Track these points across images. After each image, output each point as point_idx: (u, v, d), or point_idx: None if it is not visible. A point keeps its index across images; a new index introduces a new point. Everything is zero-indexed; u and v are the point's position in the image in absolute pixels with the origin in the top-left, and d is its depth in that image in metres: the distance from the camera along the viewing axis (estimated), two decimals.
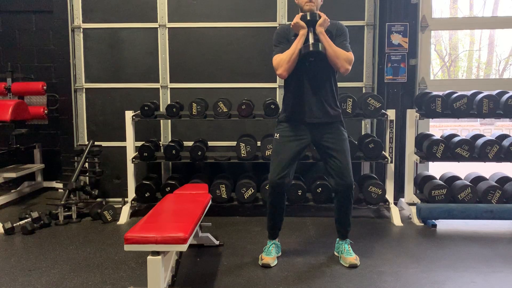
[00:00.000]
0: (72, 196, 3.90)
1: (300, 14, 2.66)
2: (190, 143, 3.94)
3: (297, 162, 2.79)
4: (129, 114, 3.86)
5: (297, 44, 2.60)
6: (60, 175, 4.53)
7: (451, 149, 3.73)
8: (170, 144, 3.87)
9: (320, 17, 2.61)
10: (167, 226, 2.23)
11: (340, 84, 4.22)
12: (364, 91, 4.32)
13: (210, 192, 3.35)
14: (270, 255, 2.80)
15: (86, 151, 4.03)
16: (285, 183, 2.68)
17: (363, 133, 4.30)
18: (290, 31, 2.69)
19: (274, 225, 2.84)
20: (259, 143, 3.86)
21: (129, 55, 4.38)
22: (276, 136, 2.79)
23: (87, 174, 4.10)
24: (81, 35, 4.37)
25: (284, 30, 2.76)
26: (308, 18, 2.60)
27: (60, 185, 4.26)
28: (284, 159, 2.69)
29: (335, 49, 2.61)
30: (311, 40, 2.61)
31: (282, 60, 2.62)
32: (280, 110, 2.97)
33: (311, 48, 2.57)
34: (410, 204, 3.83)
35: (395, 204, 3.92)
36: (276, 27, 4.28)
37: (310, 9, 2.65)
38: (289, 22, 2.77)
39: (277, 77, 4.28)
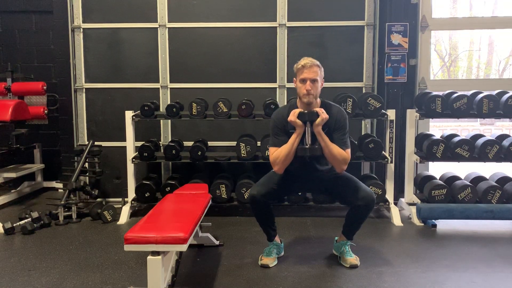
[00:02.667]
0: (72, 196, 3.89)
1: (298, 110, 2.62)
2: (190, 143, 3.94)
3: (282, 192, 2.84)
4: (129, 114, 3.86)
5: (293, 144, 2.61)
6: (60, 175, 4.53)
7: (451, 149, 3.73)
8: (170, 144, 3.87)
9: (318, 115, 2.57)
10: (167, 226, 2.23)
11: (340, 84, 4.27)
12: (364, 91, 4.32)
13: (210, 192, 3.35)
14: (270, 255, 2.80)
15: (86, 151, 4.03)
16: (263, 201, 2.69)
17: (363, 133, 4.30)
18: (288, 122, 2.65)
19: (266, 230, 2.84)
20: (259, 143, 3.86)
21: (129, 55, 4.38)
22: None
23: (87, 174, 4.10)
24: (81, 35, 4.37)
25: (282, 120, 2.71)
26: (306, 118, 2.58)
27: (60, 185, 4.26)
28: (273, 185, 2.72)
29: (331, 150, 2.60)
30: (308, 141, 2.61)
31: (278, 159, 2.65)
32: None
33: (307, 153, 2.60)
34: (410, 204, 3.83)
35: (395, 204, 3.92)
36: (276, 27, 4.29)
37: (308, 101, 2.62)
38: (289, 105, 2.78)
39: (277, 77, 4.31)
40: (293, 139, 2.62)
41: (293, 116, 2.59)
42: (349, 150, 2.67)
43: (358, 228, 2.81)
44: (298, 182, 2.81)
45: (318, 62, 2.64)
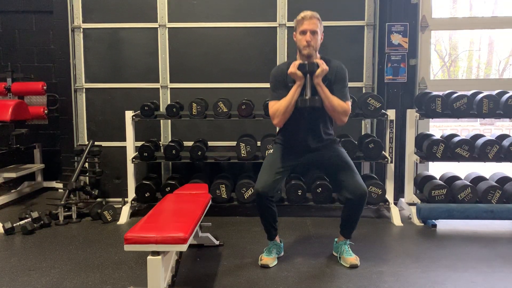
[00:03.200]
0: (72, 196, 3.90)
1: (298, 62, 2.61)
2: (190, 143, 3.94)
3: (286, 176, 2.81)
4: (129, 114, 3.86)
5: (293, 95, 2.60)
6: (60, 175, 4.53)
7: (451, 149, 3.73)
8: (170, 144, 3.87)
9: (318, 66, 2.56)
10: (167, 226, 2.23)
11: None
12: (364, 91, 4.32)
13: (210, 192, 3.35)
14: (270, 255, 2.80)
15: (86, 151, 4.03)
16: (269, 194, 2.65)
17: (363, 133, 4.30)
18: (287, 76, 2.65)
19: (267, 228, 2.82)
20: (259, 143, 3.86)
21: (129, 55, 4.38)
22: (270, 150, 2.84)
23: (87, 174, 4.10)
24: (81, 35, 4.37)
25: (282, 74, 2.71)
26: (307, 69, 2.57)
27: (60, 185, 4.26)
28: (272, 171, 2.69)
29: (332, 101, 2.59)
30: (308, 93, 2.59)
31: (278, 111, 2.63)
32: (277, 131, 2.98)
33: (308, 104, 2.57)
34: (410, 204, 3.83)
35: (395, 204, 3.92)
36: (276, 27, 4.29)
37: (308, 53, 2.61)
38: (288, 62, 2.76)
39: None
40: (293, 91, 2.60)
41: (293, 68, 2.58)
42: (349, 102, 2.66)
43: (354, 225, 2.81)
44: (297, 157, 2.76)
45: (318, 15, 2.64)
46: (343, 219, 2.82)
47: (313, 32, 2.60)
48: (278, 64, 4.29)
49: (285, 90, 2.65)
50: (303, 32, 2.61)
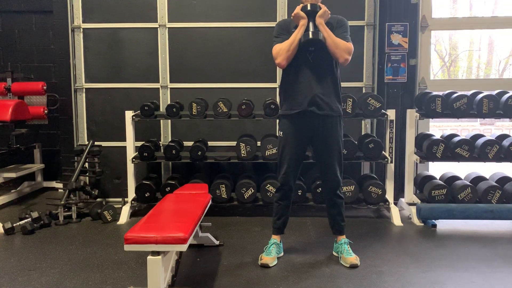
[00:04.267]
0: (72, 196, 3.90)
1: (301, 5, 2.68)
2: (190, 143, 3.94)
3: (302, 160, 2.87)
4: (129, 114, 3.86)
5: (297, 34, 2.63)
6: (60, 175, 4.53)
7: (451, 149, 3.73)
8: (170, 144, 3.87)
9: (320, 8, 2.64)
10: (167, 226, 2.23)
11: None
12: (364, 91, 4.32)
13: (210, 192, 3.35)
14: (269, 255, 2.80)
15: (86, 151, 4.04)
16: (292, 185, 2.81)
17: (363, 133, 4.30)
18: (291, 23, 2.73)
19: (280, 222, 2.87)
20: (259, 143, 3.86)
21: (129, 55, 4.38)
22: (280, 134, 2.85)
23: (87, 174, 4.10)
24: (81, 35, 4.37)
25: (285, 22, 2.81)
26: (309, 8, 2.63)
27: (60, 185, 4.26)
28: (290, 160, 2.77)
29: (334, 39, 2.63)
30: (311, 29, 2.64)
31: (282, 49, 2.65)
32: (279, 102, 2.94)
33: (310, 36, 2.60)
34: (410, 204, 3.83)
35: (395, 204, 3.92)
36: None
37: (311, 3, 2.66)
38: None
39: (277, 77, 4.31)
40: (297, 30, 2.65)
41: (297, 9, 2.65)
42: (351, 44, 2.71)
43: (340, 219, 2.88)
44: (304, 132, 2.75)
45: None
46: (328, 213, 2.93)
47: None
48: (278, 67, 4.30)
49: (289, 36, 2.69)
50: None
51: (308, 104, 2.68)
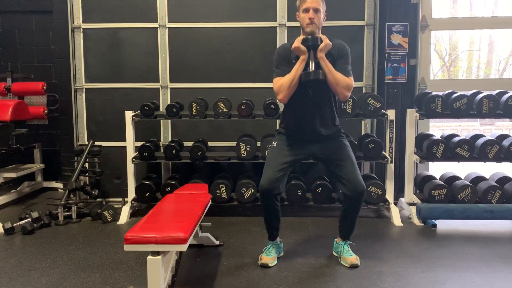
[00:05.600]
0: (72, 196, 3.89)
1: (301, 37, 2.63)
2: (190, 143, 3.94)
3: (290, 171, 2.79)
4: (129, 114, 3.86)
5: (297, 70, 2.60)
6: (60, 175, 4.53)
7: (451, 149, 3.73)
8: (170, 144, 3.87)
9: (321, 41, 2.58)
10: (167, 226, 2.23)
11: None
12: (364, 91, 4.32)
13: (210, 192, 3.35)
14: (269, 255, 2.80)
15: (86, 151, 4.03)
16: (274, 190, 2.65)
17: (363, 133, 4.30)
18: (291, 52, 2.66)
19: (270, 227, 2.82)
20: (259, 143, 3.86)
21: (129, 55, 4.38)
22: (274, 144, 2.82)
23: (87, 174, 4.10)
24: (81, 35, 4.37)
25: (285, 51, 2.73)
26: (310, 43, 2.58)
27: (60, 185, 4.26)
28: (277, 167, 2.67)
29: (335, 75, 2.60)
30: (311, 66, 2.61)
31: (283, 86, 2.63)
32: (279, 120, 2.97)
33: (311, 77, 2.58)
34: (410, 204, 3.83)
35: (395, 204, 3.92)
36: (276, 27, 4.29)
37: (311, 31, 2.63)
38: (291, 42, 2.75)
39: None
40: (297, 65, 2.61)
41: (297, 42, 2.60)
42: (352, 78, 2.68)
43: (352, 226, 2.81)
44: (300, 151, 2.75)
45: None
46: (341, 218, 2.83)
47: (316, 10, 2.62)
48: None
49: (289, 67, 2.66)
50: (306, 10, 2.63)
51: (306, 134, 2.73)
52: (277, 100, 2.74)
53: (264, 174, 2.69)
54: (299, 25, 4.35)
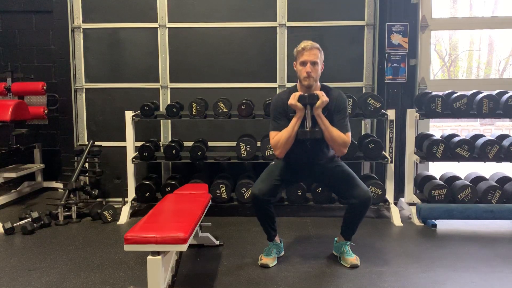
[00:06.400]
0: (72, 196, 3.89)
1: (298, 93, 2.62)
2: (190, 143, 3.94)
3: (284, 187, 2.83)
4: (129, 114, 3.86)
5: (293, 127, 2.62)
6: (60, 175, 4.53)
7: (451, 149, 3.73)
8: (170, 144, 3.87)
9: (318, 98, 2.57)
10: (167, 226, 2.23)
11: (340, 84, 4.27)
12: (364, 91, 4.32)
13: (210, 192, 3.35)
14: (269, 255, 2.80)
15: (86, 151, 4.03)
16: (265, 199, 2.67)
17: (363, 133, 4.30)
18: (288, 106, 2.65)
19: (267, 228, 2.83)
20: (259, 143, 3.86)
21: (129, 55, 4.38)
22: (272, 163, 2.88)
23: (87, 174, 4.10)
24: (81, 35, 4.37)
25: (282, 104, 2.71)
26: (307, 101, 2.58)
27: (60, 185, 4.26)
28: (271, 180, 2.71)
29: (332, 133, 2.61)
30: (308, 124, 2.62)
31: (279, 143, 2.65)
32: None
33: (308, 136, 2.61)
34: (410, 204, 3.83)
35: (395, 204, 3.92)
36: (276, 27, 4.29)
37: (308, 84, 2.62)
38: (288, 90, 2.76)
39: (277, 77, 4.31)
40: (294, 122, 2.62)
41: (293, 100, 2.59)
42: (349, 134, 2.69)
43: (355, 228, 2.81)
44: (298, 173, 2.80)
45: (318, 45, 2.64)
46: (345, 220, 2.82)
47: (313, 63, 2.61)
48: (278, 64, 4.31)
49: (286, 120, 2.68)
50: (303, 63, 2.62)
51: (305, 169, 2.80)
52: (275, 154, 2.74)
53: (257, 182, 2.74)
54: (298, 25, 4.39)
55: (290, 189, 3.72)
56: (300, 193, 3.74)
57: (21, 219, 3.54)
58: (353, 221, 2.78)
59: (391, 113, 3.83)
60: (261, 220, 2.79)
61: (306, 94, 2.59)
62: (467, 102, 3.73)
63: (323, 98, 2.58)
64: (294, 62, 2.70)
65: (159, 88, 4.38)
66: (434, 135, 3.95)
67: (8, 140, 4.41)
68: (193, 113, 3.77)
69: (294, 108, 2.60)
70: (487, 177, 3.98)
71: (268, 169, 2.83)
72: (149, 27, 4.33)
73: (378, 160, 3.82)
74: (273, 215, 2.78)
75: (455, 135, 3.90)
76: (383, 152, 3.82)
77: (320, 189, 3.73)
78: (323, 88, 2.72)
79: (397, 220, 3.67)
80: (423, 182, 3.93)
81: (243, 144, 3.73)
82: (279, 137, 2.66)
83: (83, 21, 4.36)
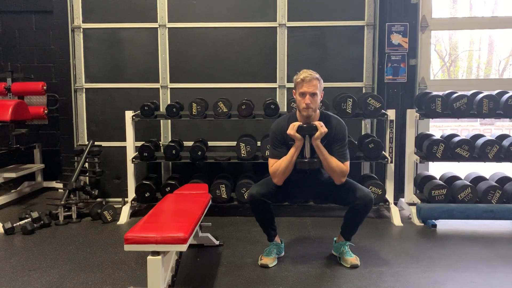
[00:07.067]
0: (72, 196, 3.89)
1: (297, 124, 2.62)
2: (190, 143, 3.94)
3: (282, 198, 2.86)
4: (129, 114, 3.86)
5: (292, 157, 2.64)
6: (60, 175, 4.53)
7: (451, 149, 3.73)
8: (170, 144, 3.87)
9: (316, 129, 2.58)
10: (167, 226, 2.23)
11: (340, 84, 4.28)
12: (364, 91, 4.32)
13: (210, 192, 3.35)
14: (269, 255, 2.80)
15: (86, 151, 4.03)
16: (262, 200, 2.68)
17: (363, 133, 4.30)
18: (287, 134, 2.65)
19: (266, 228, 2.84)
20: (259, 143, 3.86)
21: (129, 55, 4.38)
22: None
23: (87, 174, 4.10)
24: (81, 35, 4.37)
25: (281, 132, 2.72)
26: (305, 132, 2.60)
27: (60, 185, 4.26)
28: (274, 187, 2.72)
29: (330, 163, 2.63)
30: (307, 154, 2.64)
31: (278, 171, 2.67)
32: None
33: (306, 167, 2.63)
34: (410, 204, 3.83)
35: (395, 204, 3.92)
36: (276, 27, 4.29)
37: (307, 114, 2.63)
38: (287, 117, 2.77)
39: (277, 77, 4.32)
40: (292, 152, 2.64)
41: (292, 130, 2.61)
42: (347, 163, 2.69)
43: (356, 229, 2.81)
44: (297, 187, 2.83)
45: (317, 75, 2.64)
46: (346, 221, 2.82)
47: (312, 94, 2.61)
48: (278, 64, 4.31)
49: (285, 148, 2.70)
50: (303, 94, 2.62)
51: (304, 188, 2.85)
52: (273, 181, 2.75)
53: (255, 185, 2.76)
54: (298, 25, 4.38)
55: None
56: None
57: (21, 219, 3.54)
58: (354, 222, 2.78)
59: (391, 113, 3.83)
60: (260, 221, 2.81)
61: (305, 125, 2.61)
62: (467, 102, 3.73)
63: (322, 129, 2.59)
64: (294, 91, 2.71)
65: (159, 88, 4.38)
66: (434, 135, 3.96)
67: (8, 140, 4.41)
68: (193, 113, 3.77)
69: (293, 138, 2.62)
70: (487, 177, 3.98)
71: (268, 177, 2.82)
72: (149, 27, 4.33)
73: (378, 160, 3.82)
74: (271, 216, 2.79)
75: (455, 135, 3.90)
76: (383, 152, 3.82)
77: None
78: (322, 116, 2.73)
79: (397, 220, 3.67)
80: (423, 182, 3.93)
81: (243, 144, 3.73)
82: (277, 166, 2.68)
83: (83, 21, 4.36)
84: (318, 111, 2.71)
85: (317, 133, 2.58)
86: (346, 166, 2.67)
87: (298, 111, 2.71)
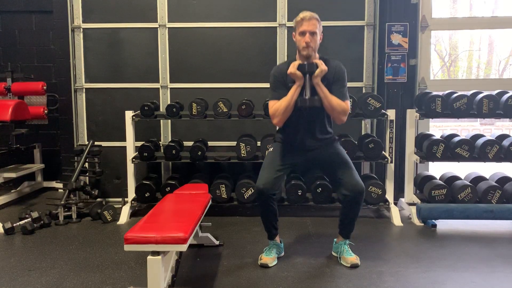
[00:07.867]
0: (72, 196, 3.90)
1: (297, 62, 2.64)
2: (190, 143, 3.94)
3: (286, 174, 2.82)
4: (129, 114, 3.86)
5: (292, 95, 2.62)
6: (60, 175, 4.53)
7: (451, 149, 3.73)
8: (170, 144, 3.87)
9: (317, 67, 2.59)
10: (167, 226, 2.23)
11: None
12: (364, 91, 4.32)
13: (210, 192, 3.35)
14: (269, 255, 2.80)
15: (86, 151, 4.03)
16: (270, 191, 2.66)
17: (363, 133, 4.30)
18: (287, 75, 2.67)
19: (268, 226, 2.83)
20: (259, 143, 3.86)
21: (129, 55, 4.38)
22: (270, 149, 2.86)
23: (87, 174, 4.10)
24: (81, 35, 4.37)
25: (281, 73, 2.73)
26: (306, 69, 2.59)
27: (60, 185, 4.26)
28: (273, 168, 2.71)
29: (331, 101, 2.62)
30: (307, 92, 2.63)
31: (278, 111, 2.66)
32: (276, 132, 3.01)
33: (307, 104, 2.61)
34: (410, 204, 3.83)
35: (395, 204, 3.92)
36: (276, 27, 4.29)
37: (307, 54, 2.63)
38: (287, 62, 2.76)
39: None
40: (293, 91, 2.63)
41: (293, 68, 2.61)
42: (348, 102, 2.69)
43: (353, 225, 2.81)
44: (296, 157, 2.79)
45: (317, 16, 2.66)
46: (341, 218, 2.83)
47: (312, 33, 2.62)
48: (278, 63, 4.30)
49: (285, 90, 2.68)
50: (302, 33, 2.63)
51: (301, 146, 2.78)
52: (273, 123, 2.75)
53: (260, 176, 2.73)
54: None
55: (290, 189, 3.72)
56: (300, 193, 3.74)
57: (21, 219, 3.54)
58: (348, 216, 2.78)
59: (391, 113, 3.83)
60: (265, 216, 2.79)
61: (305, 63, 2.61)
62: (467, 102, 3.73)
63: (322, 67, 2.59)
64: (293, 33, 2.72)
65: (159, 88, 4.38)
66: (434, 135, 3.95)
67: (8, 140, 4.41)
68: (193, 113, 3.77)
69: (293, 77, 2.62)
70: (487, 177, 3.98)
71: (267, 159, 2.82)
72: (149, 27, 4.33)
73: (378, 160, 3.82)
74: (276, 211, 2.78)
75: (455, 135, 3.90)
76: (383, 152, 3.82)
77: (320, 189, 3.72)
78: (322, 59, 2.73)
79: (397, 220, 3.67)
80: (423, 182, 3.93)
81: (243, 144, 3.73)
82: (278, 106, 2.67)
83: (83, 21, 4.36)
84: (317, 54, 2.71)
85: (317, 71, 2.58)
86: (346, 104, 2.67)
87: (298, 53, 2.72)
